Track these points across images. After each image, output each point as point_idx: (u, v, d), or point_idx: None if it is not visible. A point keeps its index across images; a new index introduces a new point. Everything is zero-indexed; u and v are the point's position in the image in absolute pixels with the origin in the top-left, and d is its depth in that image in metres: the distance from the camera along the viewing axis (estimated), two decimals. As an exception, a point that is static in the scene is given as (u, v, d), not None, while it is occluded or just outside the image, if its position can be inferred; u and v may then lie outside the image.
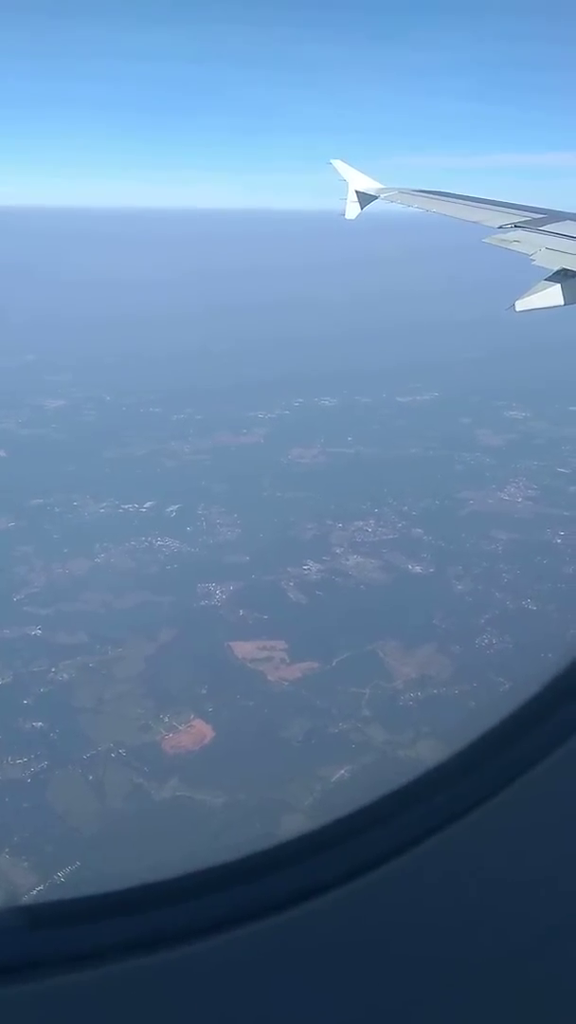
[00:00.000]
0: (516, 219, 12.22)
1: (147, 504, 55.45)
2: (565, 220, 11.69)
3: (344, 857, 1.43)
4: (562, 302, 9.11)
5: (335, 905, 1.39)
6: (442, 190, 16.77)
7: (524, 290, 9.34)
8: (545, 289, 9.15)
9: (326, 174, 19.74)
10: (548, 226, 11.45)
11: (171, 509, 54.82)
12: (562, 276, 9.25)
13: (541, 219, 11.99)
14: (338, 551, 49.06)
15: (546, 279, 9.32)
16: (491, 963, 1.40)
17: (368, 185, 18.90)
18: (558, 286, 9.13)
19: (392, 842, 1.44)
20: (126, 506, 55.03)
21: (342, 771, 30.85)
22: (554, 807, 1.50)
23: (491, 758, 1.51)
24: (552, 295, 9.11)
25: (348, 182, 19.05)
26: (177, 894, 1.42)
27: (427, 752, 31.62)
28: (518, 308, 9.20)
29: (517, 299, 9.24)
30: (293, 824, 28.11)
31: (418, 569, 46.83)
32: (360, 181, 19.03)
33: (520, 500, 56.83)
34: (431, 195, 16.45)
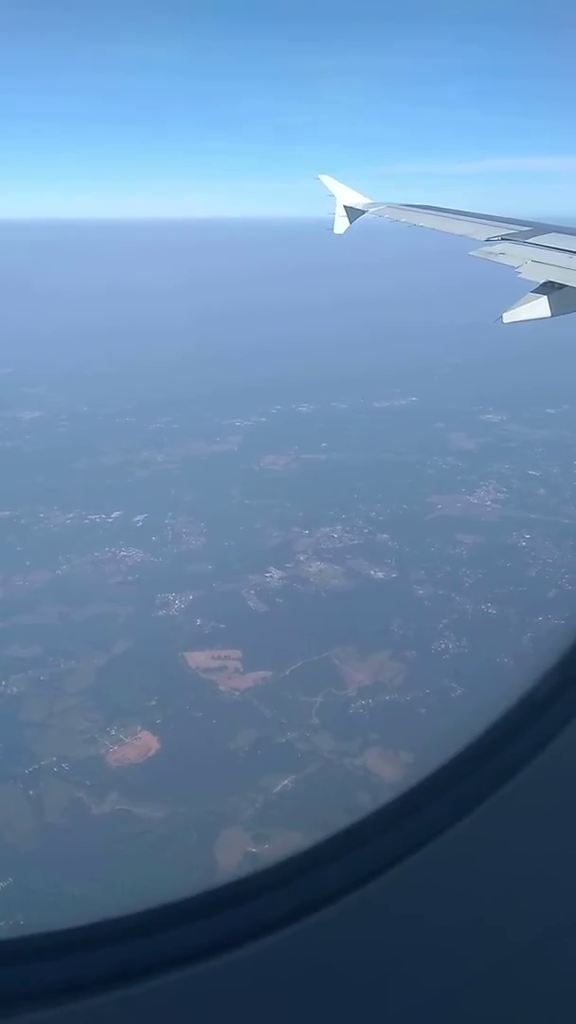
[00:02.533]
0: (502, 231, 12.33)
1: (114, 514, 55.19)
2: (550, 232, 11.72)
3: (341, 871, 1.46)
4: (549, 313, 9.20)
5: (332, 921, 1.41)
6: (430, 204, 16.97)
7: (511, 296, 9.46)
8: (532, 301, 9.26)
9: (317, 183, 19.81)
10: (533, 238, 11.52)
11: (138, 519, 54.57)
12: (548, 288, 9.34)
13: (527, 231, 12.05)
14: (302, 558, 48.76)
15: (532, 291, 9.42)
16: (493, 964, 1.42)
17: (356, 200, 19.00)
18: (544, 298, 9.23)
19: (389, 852, 1.45)
20: (92, 516, 54.77)
21: (286, 781, 30.52)
22: (553, 801, 1.52)
23: (486, 759, 1.53)
24: (539, 307, 9.21)
25: (336, 197, 19.11)
26: (170, 919, 1.44)
27: (373, 760, 31.31)
28: (505, 320, 9.28)
29: (504, 311, 9.33)
30: (231, 837, 27.85)
31: (380, 575, 46.51)
32: (348, 196, 19.12)
33: (488, 503, 56.53)
34: (418, 209, 16.59)
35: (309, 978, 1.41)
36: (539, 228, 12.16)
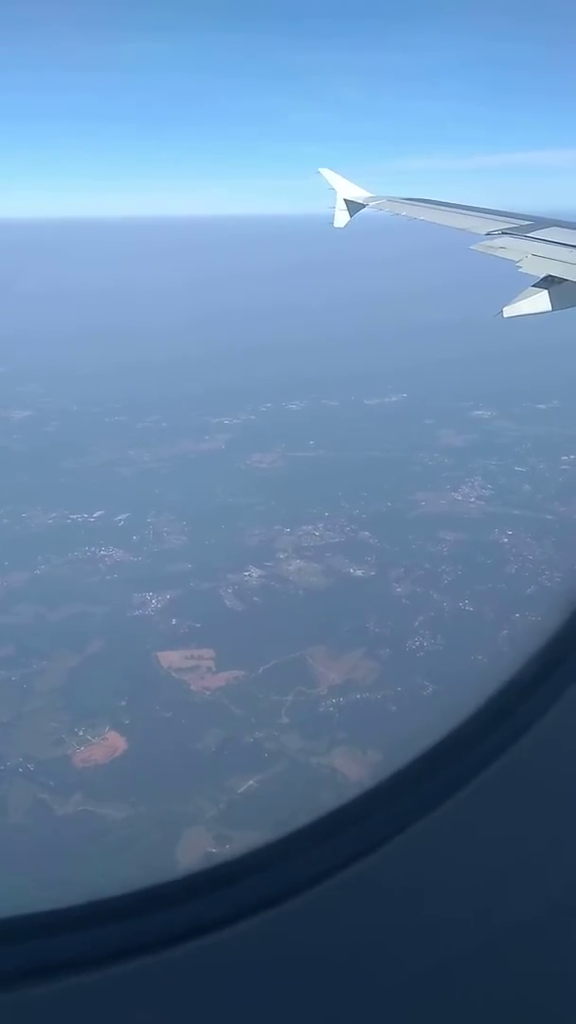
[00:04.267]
0: (503, 226, 12.45)
1: (96, 514, 55.02)
2: (551, 227, 11.77)
3: (339, 845, 1.47)
4: (549, 308, 9.28)
5: (330, 895, 1.43)
6: (431, 198, 17.04)
7: (511, 293, 9.54)
8: (532, 295, 9.32)
9: (318, 179, 19.88)
10: (534, 232, 11.60)
11: (120, 518, 54.42)
12: (549, 282, 9.39)
13: (527, 225, 12.14)
14: (281, 556, 48.57)
15: (533, 285, 9.47)
16: (496, 938, 1.44)
17: (356, 193, 19.07)
18: (545, 292, 9.29)
19: (374, 835, 1.46)
20: (74, 516, 54.61)
21: (251, 781, 30.34)
22: (552, 772, 1.53)
23: (484, 733, 1.53)
24: (539, 301, 9.28)
25: (336, 191, 19.18)
26: (166, 899, 1.48)
27: (339, 759, 31.12)
28: (506, 314, 9.39)
29: (505, 305, 9.42)
30: (193, 837, 27.71)
31: (359, 573, 46.27)
32: (348, 190, 19.18)
33: (473, 500, 56.21)
34: (419, 203, 16.65)
35: (302, 956, 1.44)
36: (540, 222, 12.26)
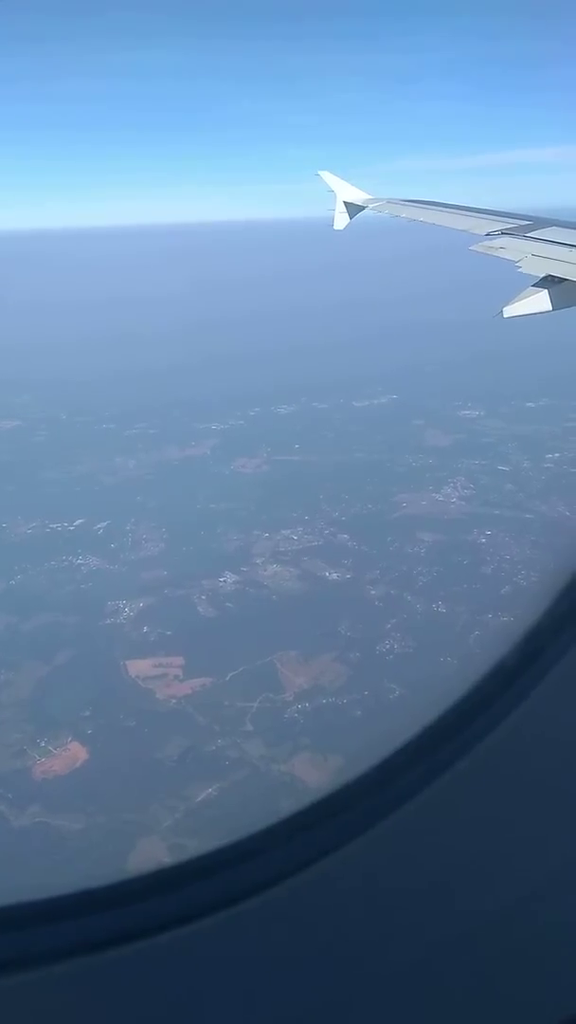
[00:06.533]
0: (502, 226, 12.56)
1: (76, 522, 54.87)
2: (550, 227, 11.84)
3: (330, 829, 1.49)
4: (550, 307, 9.34)
5: (322, 878, 1.45)
6: (429, 199, 17.26)
7: (511, 293, 9.61)
8: (533, 295, 9.38)
9: (318, 182, 19.99)
10: (534, 232, 11.69)
11: (99, 526, 54.27)
12: (549, 282, 9.45)
13: (527, 226, 12.21)
14: (258, 561, 48.25)
15: (533, 285, 9.53)
16: (495, 911, 1.44)
17: (356, 196, 19.22)
18: (545, 292, 9.35)
19: (378, 809, 1.48)
20: (54, 525, 54.46)
21: (210, 789, 30.02)
22: (547, 743, 1.52)
23: (471, 716, 1.52)
24: (539, 301, 9.33)
25: (336, 193, 19.31)
26: (161, 884, 1.53)
27: (300, 766, 30.75)
28: (506, 314, 9.44)
29: (505, 305, 9.47)
30: (148, 847, 27.40)
31: (335, 576, 45.89)
32: (348, 192, 19.32)
33: (454, 500, 55.75)
34: (418, 204, 16.80)
35: (295, 938, 1.44)
36: (539, 222, 12.30)
